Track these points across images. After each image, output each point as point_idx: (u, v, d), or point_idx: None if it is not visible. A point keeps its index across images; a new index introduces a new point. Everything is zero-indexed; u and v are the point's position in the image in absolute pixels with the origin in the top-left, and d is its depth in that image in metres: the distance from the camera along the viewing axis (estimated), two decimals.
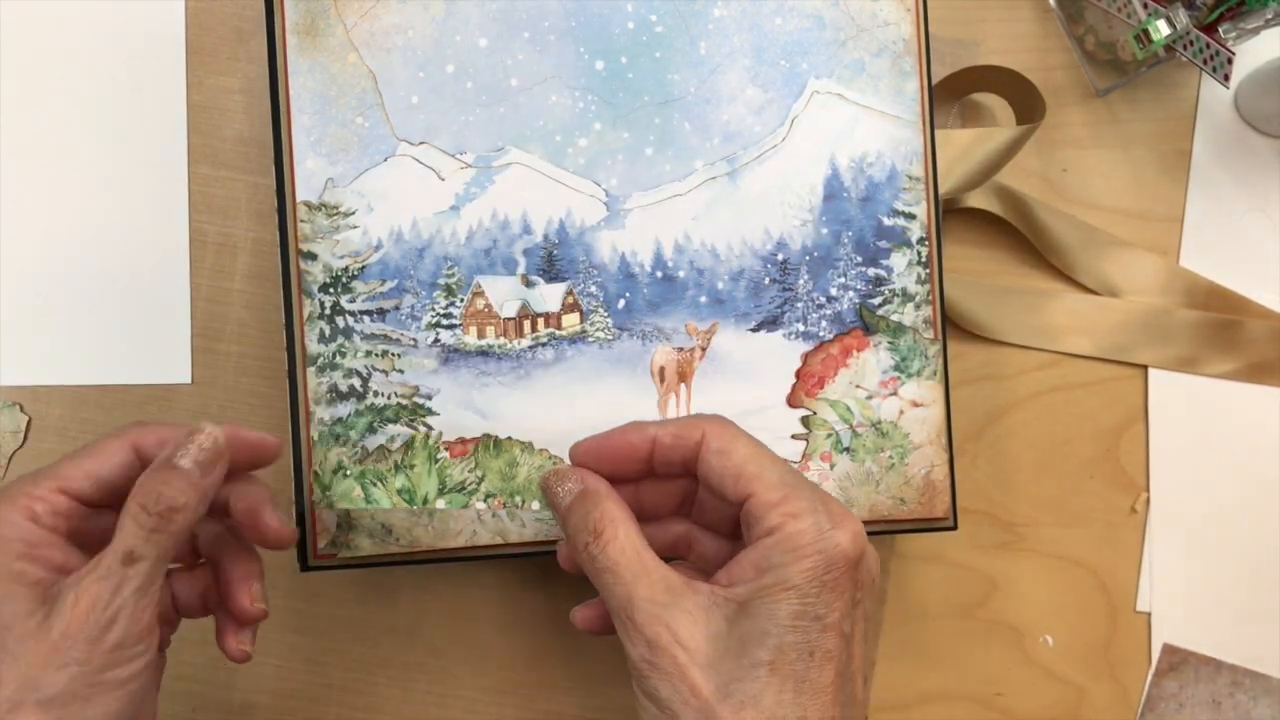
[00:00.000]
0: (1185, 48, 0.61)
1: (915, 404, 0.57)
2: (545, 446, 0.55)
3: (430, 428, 0.54)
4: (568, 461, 0.51)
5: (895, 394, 0.57)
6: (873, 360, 0.57)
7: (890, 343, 0.57)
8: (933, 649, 0.64)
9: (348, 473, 0.54)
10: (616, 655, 0.62)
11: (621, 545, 0.45)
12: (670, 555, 0.50)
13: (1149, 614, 0.65)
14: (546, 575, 0.63)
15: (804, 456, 0.56)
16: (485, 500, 0.54)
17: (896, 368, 0.57)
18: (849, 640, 0.44)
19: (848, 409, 0.57)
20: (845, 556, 0.43)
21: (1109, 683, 0.65)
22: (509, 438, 0.54)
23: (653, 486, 0.50)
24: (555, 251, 0.55)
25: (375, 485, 0.54)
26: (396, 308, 0.54)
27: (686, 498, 0.50)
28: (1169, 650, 0.64)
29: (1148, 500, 0.65)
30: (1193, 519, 0.65)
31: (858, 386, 0.57)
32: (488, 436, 0.54)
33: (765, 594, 0.43)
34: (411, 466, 0.54)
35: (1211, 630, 0.64)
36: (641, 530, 0.47)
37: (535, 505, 0.55)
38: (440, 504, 0.54)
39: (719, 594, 0.44)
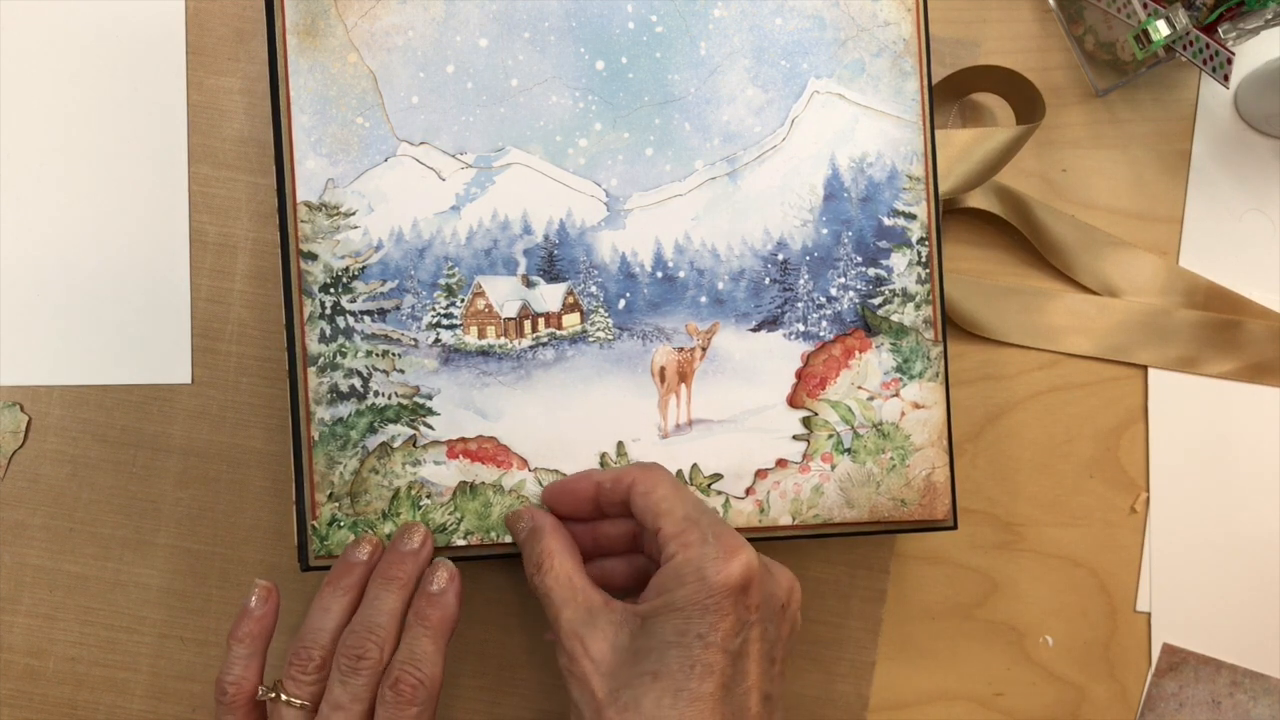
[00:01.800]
0: (1185, 48, 0.61)
1: (917, 406, 0.57)
2: (543, 452, 0.55)
3: (431, 428, 0.55)
4: (536, 502, 0.56)
5: (897, 395, 0.57)
6: (875, 362, 0.57)
7: (893, 344, 0.57)
8: (933, 649, 0.64)
9: (341, 524, 0.54)
10: None
11: (556, 574, 0.52)
12: (637, 584, 0.55)
13: (1149, 614, 0.65)
14: None
15: (805, 457, 0.57)
16: (465, 537, 0.55)
17: (899, 369, 0.57)
18: (737, 658, 0.48)
19: (849, 410, 0.57)
20: (726, 583, 0.48)
21: (1109, 682, 0.65)
22: (483, 482, 0.55)
23: (609, 525, 0.55)
24: (556, 251, 0.55)
25: (367, 532, 0.54)
26: (397, 308, 0.54)
27: (639, 534, 0.55)
28: (1169, 650, 0.64)
29: (1148, 500, 0.65)
30: (1193, 519, 0.65)
31: (859, 388, 0.57)
32: (463, 483, 0.55)
33: (657, 613, 0.49)
34: (398, 514, 0.55)
35: (1211, 630, 0.64)
36: (604, 561, 0.55)
37: (508, 539, 0.55)
38: None
39: (629, 611, 0.50)
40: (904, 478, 0.57)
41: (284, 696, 0.51)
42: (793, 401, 0.57)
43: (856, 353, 0.57)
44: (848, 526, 0.57)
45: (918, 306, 0.57)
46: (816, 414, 0.57)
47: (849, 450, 0.57)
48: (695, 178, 0.56)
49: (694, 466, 0.56)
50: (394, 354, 0.54)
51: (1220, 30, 0.61)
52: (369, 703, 0.50)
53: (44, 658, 0.62)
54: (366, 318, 0.54)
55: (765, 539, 0.57)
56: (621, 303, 0.56)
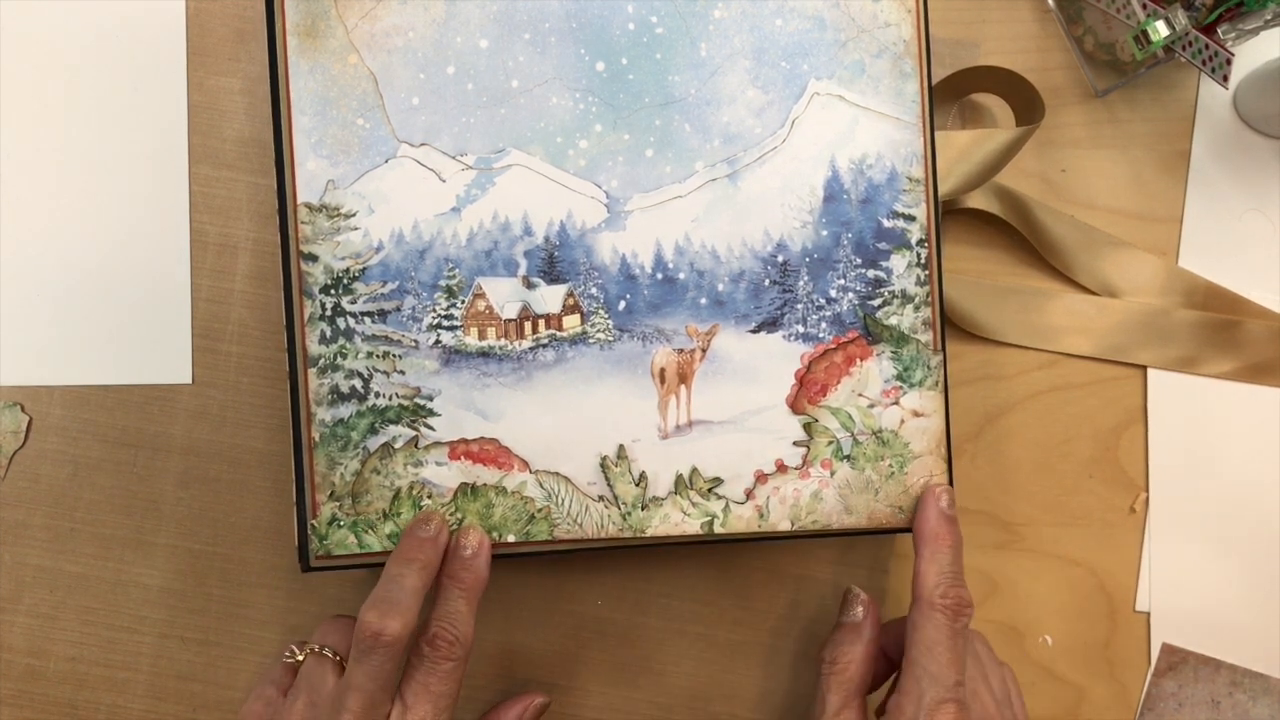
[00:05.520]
0: (1184, 48, 0.61)
1: (916, 414, 0.57)
2: (543, 453, 0.55)
3: (431, 429, 0.55)
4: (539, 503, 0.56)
5: (897, 403, 0.57)
6: (875, 369, 0.57)
7: (893, 352, 0.57)
8: None
9: (341, 524, 0.54)
10: (624, 656, 0.62)
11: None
12: None
13: (1148, 614, 0.65)
14: (550, 576, 0.63)
15: (804, 462, 0.57)
16: None
17: (899, 377, 0.57)
18: None
19: (849, 417, 0.57)
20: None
21: (1108, 682, 0.65)
22: (484, 484, 0.55)
23: None
24: (556, 253, 0.55)
25: (367, 533, 0.54)
26: (398, 309, 0.54)
27: None
28: (1168, 650, 0.65)
29: (1147, 500, 0.65)
30: (1192, 519, 0.65)
31: (860, 395, 0.57)
32: (464, 484, 0.55)
33: None
34: (399, 514, 0.55)
35: (1211, 630, 0.64)
36: None
37: (511, 538, 0.55)
38: None
39: None
40: (902, 485, 0.57)
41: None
42: (794, 407, 0.57)
43: (858, 360, 0.57)
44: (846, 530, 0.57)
45: (917, 308, 0.57)
46: (817, 420, 0.57)
47: (848, 457, 0.57)
48: (695, 179, 0.56)
49: (694, 470, 0.56)
50: (395, 355, 0.54)
51: (1219, 31, 0.61)
52: (384, 681, 0.50)
53: (44, 657, 0.62)
54: (367, 319, 0.54)
55: (765, 539, 0.58)
56: (622, 304, 0.56)
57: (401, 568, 0.52)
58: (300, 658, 0.53)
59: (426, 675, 0.51)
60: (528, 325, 0.55)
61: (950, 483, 0.58)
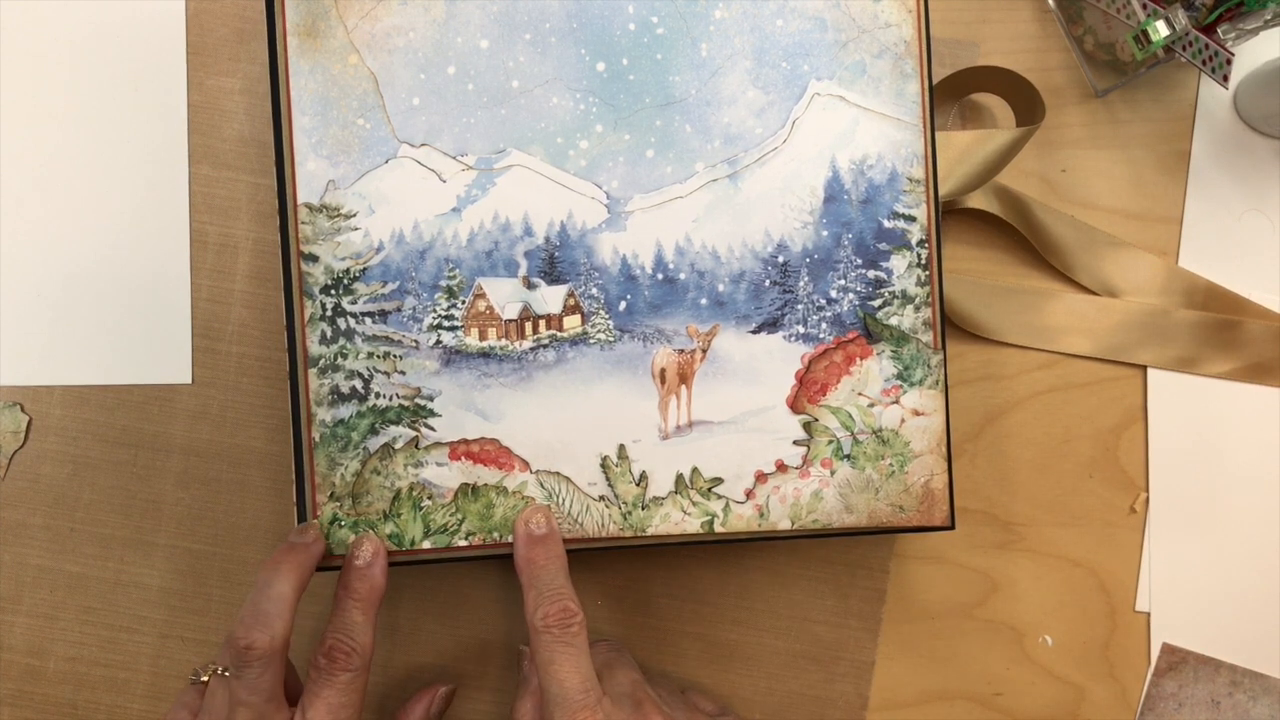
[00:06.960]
0: (1184, 48, 0.61)
1: (917, 413, 0.57)
2: (544, 454, 0.55)
3: (432, 429, 0.55)
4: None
5: (897, 402, 0.57)
6: (875, 368, 0.57)
7: (893, 351, 0.57)
8: (933, 649, 0.64)
9: (342, 523, 0.54)
10: None
11: None
12: None
13: (1148, 614, 0.65)
14: None
15: (805, 462, 0.57)
16: (467, 538, 0.55)
17: (899, 376, 0.57)
18: None
19: (849, 416, 0.57)
20: None
21: (1108, 682, 0.65)
22: (485, 484, 0.55)
23: None
24: (556, 253, 0.55)
25: (367, 531, 0.55)
26: (398, 309, 0.54)
27: None
28: (1168, 650, 0.65)
29: (1147, 500, 0.65)
30: (1192, 519, 0.65)
31: (860, 394, 0.57)
32: (465, 485, 0.55)
33: None
34: (399, 515, 0.55)
35: (1211, 630, 0.64)
36: None
37: (510, 539, 0.55)
38: (426, 544, 0.55)
39: None
40: (903, 484, 0.57)
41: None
42: (794, 407, 0.57)
43: (858, 359, 0.57)
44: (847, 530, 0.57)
45: (917, 308, 0.57)
46: (817, 420, 0.57)
47: (849, 456, 0.57)
48: (696, 180, 0.56)
49: (694, 470, 0.56)
50: (395, 355, 0.54)
51: (1219, 31, 0.61)
52: (266, 694, 0.50)
53: (44, 658, 0.62)
54: (367, 319, 0.54)
55: (765, 539, 0.58)
56: (622, 304, 0.56)
57: (269, 574, 0.51)
58: (205, 679, 0.53)
59: (323, 688, 0.51)
60: (528, 325, 0.55)
61: (950, 482, 0.58)
